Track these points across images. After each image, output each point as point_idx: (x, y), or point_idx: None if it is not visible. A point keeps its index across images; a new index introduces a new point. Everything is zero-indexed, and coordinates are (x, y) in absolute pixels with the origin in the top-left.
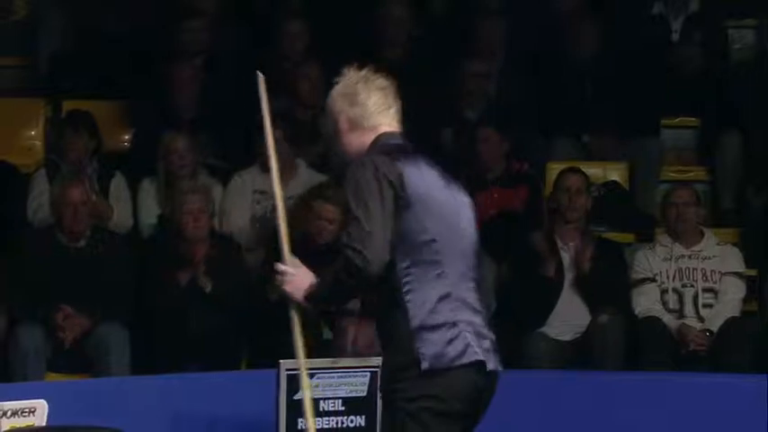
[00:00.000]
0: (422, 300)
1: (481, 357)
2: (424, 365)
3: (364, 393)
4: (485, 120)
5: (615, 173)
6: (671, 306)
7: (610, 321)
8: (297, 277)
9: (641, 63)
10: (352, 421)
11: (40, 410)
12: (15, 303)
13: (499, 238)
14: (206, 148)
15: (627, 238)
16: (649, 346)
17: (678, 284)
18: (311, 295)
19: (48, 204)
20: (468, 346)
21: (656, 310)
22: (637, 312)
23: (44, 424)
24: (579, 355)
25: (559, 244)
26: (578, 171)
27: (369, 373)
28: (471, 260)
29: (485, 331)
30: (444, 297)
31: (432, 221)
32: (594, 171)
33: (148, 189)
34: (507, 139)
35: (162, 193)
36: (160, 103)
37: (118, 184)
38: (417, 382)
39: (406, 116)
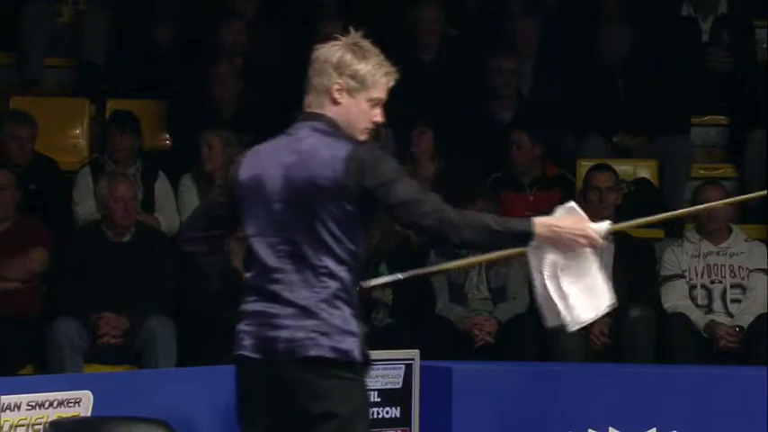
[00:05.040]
0: None
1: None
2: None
3: (399, 385)
4: (518, 121)
5: (645, 170)
6: (699, 302)
7: (640, 316)
8: None
9: (671, 63)
10: (387, 413)
11: (85, 401)
12: (58, 297)
13: None
14: (246, 145)
15: (656, 234)
16: (678, 342)
17: (706, 281)
18: None
19: (92, 201)
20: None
21: (685, 306)
22: (666, 308)
23: (89, 415)
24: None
25: None
26: (608, 168)
27: (403, 366)
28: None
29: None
30: None
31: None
32: (624, 168)
33: (189, 185)
34: (539, 143)
35: (202, 190)
36: (200, 103)
37: (162, 184)
38: None
39: (437, 120)
